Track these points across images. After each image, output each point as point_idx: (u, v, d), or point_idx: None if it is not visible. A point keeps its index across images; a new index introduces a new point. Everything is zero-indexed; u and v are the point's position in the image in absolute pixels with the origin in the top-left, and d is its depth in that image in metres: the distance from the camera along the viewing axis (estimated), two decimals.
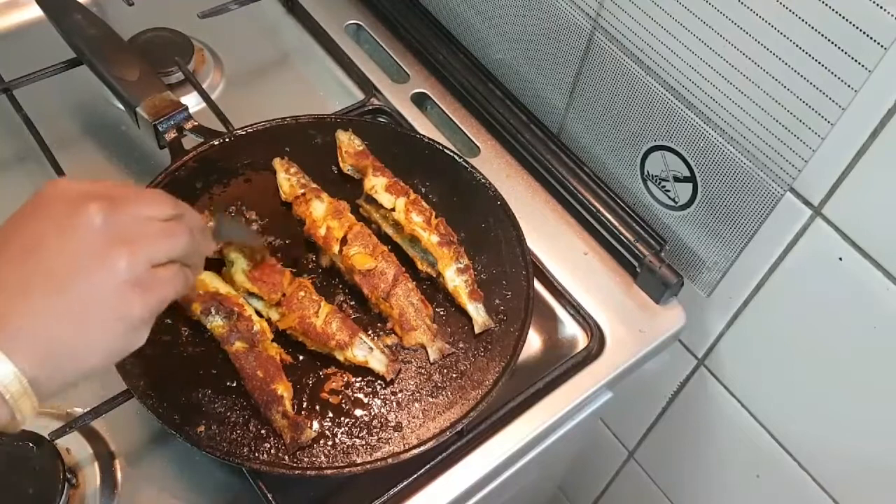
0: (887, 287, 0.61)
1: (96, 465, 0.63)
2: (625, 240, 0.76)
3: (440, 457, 0.64)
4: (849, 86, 0.55)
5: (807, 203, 0.64)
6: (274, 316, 0.65)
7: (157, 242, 0.47)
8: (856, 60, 0.54)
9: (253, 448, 0.59)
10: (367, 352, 0.64)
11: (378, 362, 0.64)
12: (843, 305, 0.65)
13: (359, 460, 0.60)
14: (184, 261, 0.50)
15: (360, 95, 0.89)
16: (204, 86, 0.84)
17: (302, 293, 0.65)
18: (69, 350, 0.44)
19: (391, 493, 0.62)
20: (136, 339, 0.47)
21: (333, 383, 0.64)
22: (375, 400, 0.63)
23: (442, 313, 0.69)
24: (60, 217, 0.45)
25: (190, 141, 0.76)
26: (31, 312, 0.43)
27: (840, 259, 0.63)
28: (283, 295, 0.65)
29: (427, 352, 0.66)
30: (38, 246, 0.45)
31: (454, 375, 0.65)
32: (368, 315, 0.68)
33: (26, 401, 0.42)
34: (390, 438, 0.61)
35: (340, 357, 0.64)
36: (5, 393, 0.41)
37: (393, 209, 0.71)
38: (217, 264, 0.67)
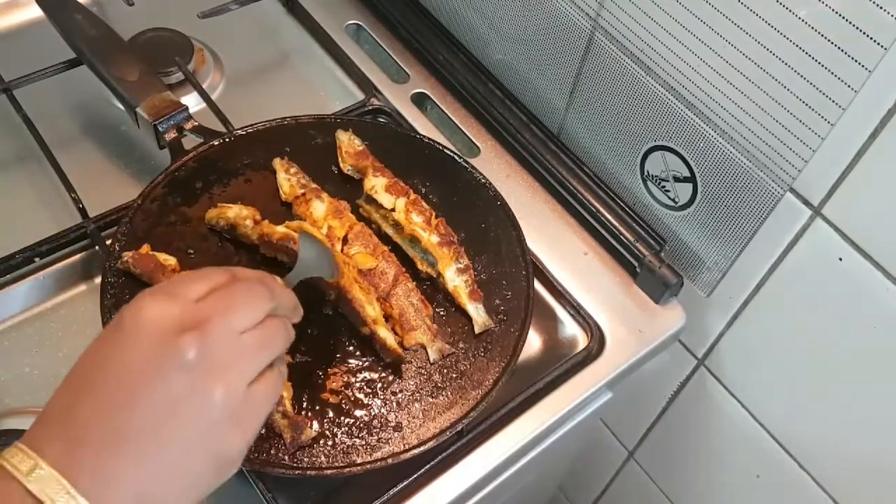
0: (887, 287, 0.61)
1: None
2: (625, 240, 0.77)
3: (440, 457, 0.64)
4: (849, 86, 0.55)
5: (807, 203, 0.64)
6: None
7: (254, 360, 0.45)
8: (856, 60, 0.54)
9: (253, 448, 0.59)
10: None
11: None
12: (843, 305, 0.65)
13: (359, 460, 0.60)
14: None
15: (360, 95, 0.89)
16: (204, 86, 0.84)
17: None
18: (164, 497, 0.42)
19: (391, 493, 0.62)
20: (231, 471, 0.45)
21: (333, 383, 0.64)
22: (375, 400, 0.63)
23: (442, 313, 0.69)
24: (149, 354, 0.42)
25: (190, 141, 0.76)
26: (122, 461, 0.41)
27: (840, 259, 0.63)
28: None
29: (427, 352, 0.66)
30: (129, 394, 0.42)
31: (454, 375, 0.65)
32: None
33: None
34: (390, 438, 0.61)
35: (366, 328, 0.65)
36: None
37: (393, 209, 0.71)
38: (221, 261, 0.68)
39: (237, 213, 0.69)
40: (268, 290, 0.48)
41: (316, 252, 0.62)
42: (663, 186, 0.75)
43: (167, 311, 0.43)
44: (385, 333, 0.64)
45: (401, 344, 0.66)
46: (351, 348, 0.66)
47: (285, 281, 0.56)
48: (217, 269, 0.48)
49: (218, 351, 0.43)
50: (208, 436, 0.43)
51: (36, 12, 0.84)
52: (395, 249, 0.71)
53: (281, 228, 0.68)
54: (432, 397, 0.64)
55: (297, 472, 0.59)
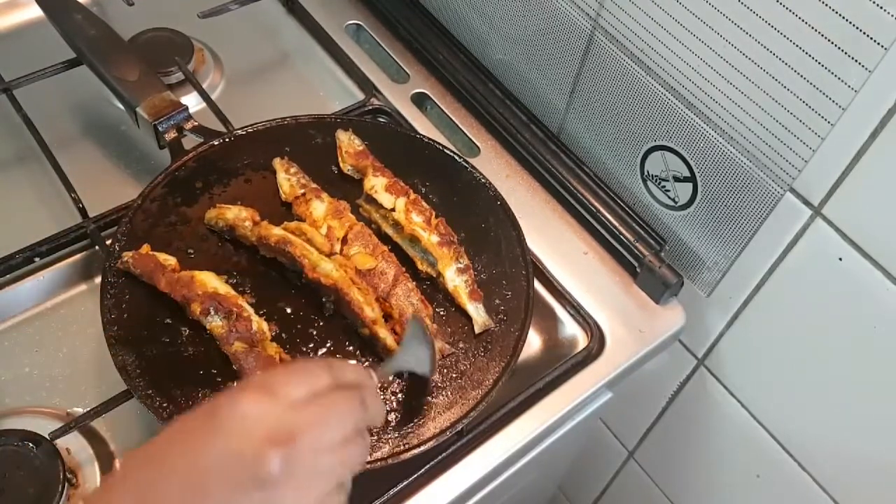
0: (887, 287, 0.61)
1: (96, 465, 0.63)
2: (625, 240, 0.76)
3: (440, 457, 0.64)
4: (849, 86, 0.55)
5: (807, 203, 0.64)
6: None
7: (329, 482, 0.44)
8: (856, 60, 0.54)
9: None
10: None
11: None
12: (843, 306, 0.65)
13: None
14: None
15: (360, 95, 0.89)
16: (204, 86, 0.84)
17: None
18: None
19: (391, 493, 0.62)
20: None
21: None
22: None
23: (442, 313, 0.69)
24: (234, 456, 0.41)
25: (190, 141, 0.76)
26: None
27: (840, 259, 0.63)
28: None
29: None
30: (202, 481, 0.41)
31: (454, 375, 0.65)
32: None
33: None
34: (390, 438, 0.61)
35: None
36: None
37: (393, 209, 0.71)
38: (221, 261, 0.68)
39: (236, 215, 0.69)
40: (362, 404, 0.47)
41: (422, 347, 0.61)
42: (663, 186, 0.75)
43: (265, 413, 0.42)
44: (385, 334, 0.64)
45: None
46: (351, 349, 0.66)
47: (380, 371, 0.55)
48: (318, 364, 0.47)
49: (301, 468, 0.42)
50: None
51: (36, 12, 0.84)
52: (395, 249, 0.71)
53: (278, 231, 0.68)
54: (432, 397, 0.64)
55: None
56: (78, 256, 0.73)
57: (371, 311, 0.65)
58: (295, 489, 0.42)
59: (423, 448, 0.61)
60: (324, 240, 0.68)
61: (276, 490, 0.41)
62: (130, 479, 0.42)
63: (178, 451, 0.42)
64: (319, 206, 0.71)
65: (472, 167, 0.77)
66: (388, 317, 0.67)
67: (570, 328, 0.75)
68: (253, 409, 0.42)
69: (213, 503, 0.41)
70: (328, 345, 0.66)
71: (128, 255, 0.66)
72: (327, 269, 0.66)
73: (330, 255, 0.68)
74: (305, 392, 0.44)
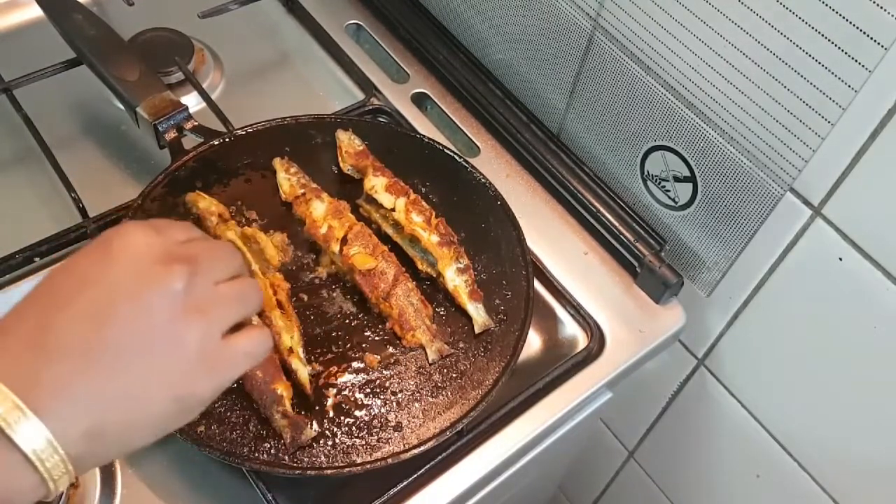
0: (887, 287, 0.61)
1: None
2: (625, 240, 0.76)
3: (440, 457, 0.64)
4: (849, 86, 0.55)
5: (807, 203, 0.64)
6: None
7: (231, 309, 0.45)
8: (856, 60, 0.54)
9: (253, 448, 0.59)
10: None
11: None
12: (843, 305, 0.65)
13: (359, 460, 0.60)
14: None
15: (360, 95, 0.89)
16: (204, 86, 0.84)
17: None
18: (121, 427, 0.41)
19: (391, 493, 0.62)
20: (191, 417, 0.44)
21: (333, 383, 0.64)
22: (375, 400, 0.63)
23: (442, 313, 0.69)
24: (136, 276, 0.42)
25: (190, 141, 0.76)
26: (89, 383, 0.39)
27: (840, 259, 0.63)
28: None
29: (426, 352, 0.66)
30: (108, 308, 0.41)
31: (454, 375, 0.65)
32: (368, 315, 0.68)
33: (64, 476, 0.39)
34: (390, 438, 0.61)
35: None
36: (39, 465, 0.38)
37: (393, 209, 0.71)
38: None
39: (206, 207, 0.69)
40: (240, 256, 0.49)
41: None
42: (663, 186, 0.75)
43: (155, 241, 0.43)
44: (297, 365, 0.62)
45: (399, 344, 0.66)
46: (351, 348, 0.66)
47: None
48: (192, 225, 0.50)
49: (200, 290, 0.43)
50: (177, 375, 0.42)
51: (36, 12, 0.84)
52: (395, 249, 0.71)
53: (231, 234, 0.67)
54: (432, 397, 0.64)
55: (297, 472, 0.59)
56: None
57: (289, 340, 0.62)
58: (200, 314, 0.43)
59: (423, 448, 0.61)
60: (275, 252, 0.67)
61: (181, 307, 0.42)
62: (16, 318, 0.41)
63: (73, 281, 0.42)
64: (319, 206, 0.71)
65: (472, 167, 0.77)
66: (387, 317, 0.67)
67: (570, 328, 0.75)
68: (145, 239, 0.43)
69: (120, 319, 0.41)
70: (329, 343, 0.66)
71: None
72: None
73: (279, 269, 0.67)
74: (186, 236, 0.47)
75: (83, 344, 0.40)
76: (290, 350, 0.63)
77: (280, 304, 0.65)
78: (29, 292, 0.42)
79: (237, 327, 0.46)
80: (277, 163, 0.75)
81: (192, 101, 0.82)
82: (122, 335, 0.41)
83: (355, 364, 0.65)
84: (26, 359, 0.39)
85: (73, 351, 0.40)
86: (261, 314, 0.63)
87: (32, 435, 0.37)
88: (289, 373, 0.62)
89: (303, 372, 0.62)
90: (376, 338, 0.67)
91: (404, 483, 0.63)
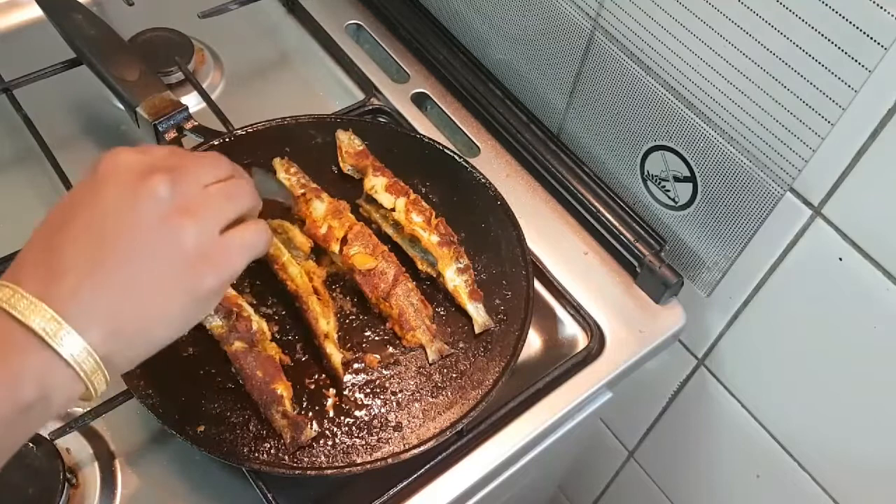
0: (887, 287, 0.61)
1: (96, 465, 0.63)
2: (625, 240, 0.76)
3: (440, 457, 0.64)
4: (849, 86, 0.55)
5: (807, 203, 0.64)
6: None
7: (222, 207, 0.47)
8: (856, 60, 0.54)
9: (253, 448, 0.59)
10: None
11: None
12: (843, 305, 0.65)
13: (359, 460, 0.60)
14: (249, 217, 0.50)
15: (360, 95, 0.89)
16: (204, 86, 0.84)
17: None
18: (139, 325, 0.44)
19: (391, 493, 0.62)
20: (207, 308, 0.48)
21: (333, 383, 0.64)
22: (375, 400, 0.63)
23: (442, 313, 0.69)
24: (124, 191, 0.45)
25: (190, 141, 0.76)
26: (99, 289, 0.43)
27: (840, 259, 0.63)
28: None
29: (426, 352, 0.66)
30: (103, 222, 0.44)
31: (454, 375, 0.65)
32: (368, 315, 0.68)
33: (100, 376, 0.43)
34: (390, 438, 0.61)
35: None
36: (79, 369, 0.41)
37: (393, 209, 0.71)
38: None
39: None
40: (230, 162, 0.51)
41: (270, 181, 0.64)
42: (663, 186, 0.75)
43: (140, 158, 0.46)
44: (332, 350, 0.63)
45: (399, 344, 0.66)
46: (351, 348, 0.66)
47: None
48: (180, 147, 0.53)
49: (188, 193, 0.46)
50: (180, 270, 0.45)
51: (36, 12, 0.84)
52: (395, 249, 0.71)
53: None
54: (432, 397, 0.64)
55: (297, 472, 0.59)
56: None
57: (325, 325, 0.64)
58: (191, 213, 0.45)
59: (423, 448, 0.61)
60: (304, 239, 0.68)
61: (171, 210, 0.45)
62: (33, 247, 0.45)
63: (72, 208, 0.45)
64: (319, 206, 0.71)
65: (472, 167, 0.77)
66: (387, 317, 0.67)
67: (570, 328, 0.75)
68: (130, 157, 0.46)
69: (117, 233, 0.44)
70: None
71: None
72: (293, 273, 0.65)
73: (308, 257, 0.68)
74: (169, 151, 0.49)
75: (86, 256, 0.43)
76: (326, 335, 0.64)
77: (316, 291, 0.66)
78: (42, 222, 0.46)
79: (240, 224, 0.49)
80: (277, 163, 0.75)
81: (192, 101, 0.82)
82: (120, 243, 0.44)
83: (355, 364, 0.65)
84: (40, 278, 0.42)
85: (77, 264, 0.43)
86: (298, 300, 0.65)
87: (71, 343, 0.41)
88: (322, 358, 0.63)
89: (336, 357, 0.63)
90: (376, 338, 0.67)
91: (404, 483, 0.63)
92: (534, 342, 0.73)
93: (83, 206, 0.45)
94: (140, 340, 0.45)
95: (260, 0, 0.91)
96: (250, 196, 0.50)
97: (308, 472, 0.60)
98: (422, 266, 0.70)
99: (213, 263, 0.46)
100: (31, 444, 0.60)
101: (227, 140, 0.76)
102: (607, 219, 0.78)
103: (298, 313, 0.65)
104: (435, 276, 0.70)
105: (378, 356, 0.66)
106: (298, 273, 0.66)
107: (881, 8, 0.51)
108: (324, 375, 0.64)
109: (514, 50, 0.84)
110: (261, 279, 0.68)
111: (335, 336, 0.65)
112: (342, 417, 0.62)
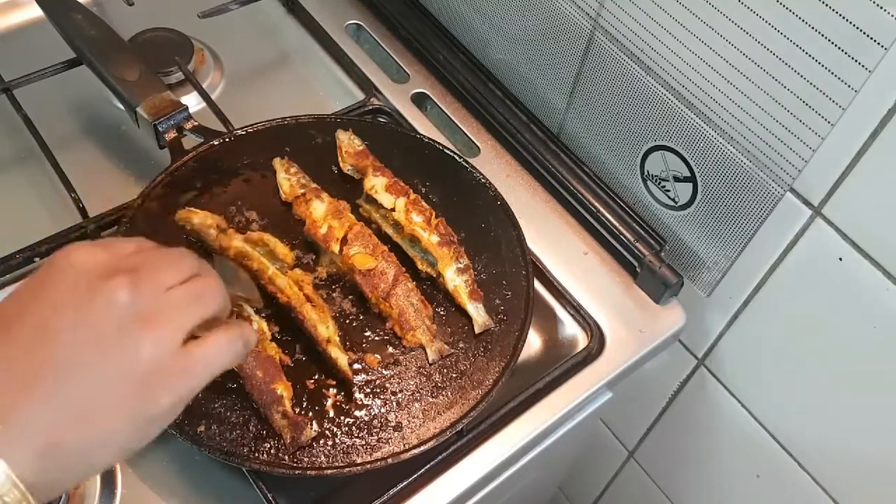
0: (887, 287, 0.61)
1: None
2: (625, 240, 0.76)
3: (440, 457, 0.64)
4: (849, 86, 0.55)
5: (807, 203, 0.64)
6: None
7: (185, 313, 0.43)
8: (856, 60, 0.54)
9: (253, 448, 0.59)
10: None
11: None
12: (843, 305, 0.65)
13: (359, 460, 0.60)
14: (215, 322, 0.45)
15: (360, 95, 0.89)
16: (204, 86, 0.84)
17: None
18: (78, 448, 0.39)
19: (391, 493, 0.62)
20: (156, 430, 0.43)
21: (333, 383, 0.64)
22: (375, 400, 0.63)
23: (442, 313, 0.69)
24: (78, 293, 0.40)
25: (190, 141, 0.76)
26: (37, 406, 0.38)
27: (840, 259, 0.63)
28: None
29: (426, 352, 0.66)
30: (53, 329, 0.40)
31: (454, 375, 0.65)
32: (368, 315, 0.68)
33: None
34: (390, 438, 0.61)
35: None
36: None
37: (393, 209, 0.71)
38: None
39: (202, 221, 0.68)
40: (195, 259, 0.46)
41: (236, 275, 0.60)
42: (663, 186, 0.75)
43: (98, 257, 0.42)
44: (337, 354, 0.63)
45: (399, 344, 0.66)
46: (351, 348, 0.66)
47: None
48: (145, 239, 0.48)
49: (147, 299, 0.41)
50: (133, 387, 0.40)
51: (36, 12, 0.84)
52: (395, 249, 0.71)
53: (237, 242, 0.67)
54: (432, 397, 0.64)
55: (297, 472, 0.59)
56: None
57: (325, 330, 0.63)
58: (151, 323, 0.41)
59: (423, 448, 0.61)
60: (287, 251, 0.67)
61: (129, 320, 0.40)
62: None
63: (18, 306, 0.41)
64: (319, 206, 0.71)
65: (472, 167, 0.77)
66: (387, 317, 0.67)
67: (570, 328, 0.75)
68: (87, 254, 0.42)
69: (66, 336, 0.40)
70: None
71: None
72: (281, 285, 0.65)
73: (293, 266, 0.68)
74: (134, 247, 0.45)
75: (26, 365, 0.39)
76: (328, 340, 0.63)
77: (308, 298, 0.65)
78: None
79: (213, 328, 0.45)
80: (277, 163, 0.75)
81: (192, 101, 0.82)
82: (67, 351, 0.39)
83: (355, 364, 0.65)
84: None
85: (16, 374, 0.38)
86: (293, 310, 0.64)
87: None
88: (326, 360, 0.63)
89: (342, 360, 0.63)
90: (376, 338, 0.67)
91: (404, 483, 0.63)
92: (534, 342, 0.73)
93: (32, 305, 0.41)
94: (76, 465, 0.40)
95: (260, 0, 0.91)
96: (217, 297, 0.45)
97: (308, 472, 0.59)
98: (422, 266, 0.70)
99: (169, 383, 0.41)
100: None
101: (227, 140, 0.76)
102: (607, 219, 0.78)
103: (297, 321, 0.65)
104: (435, 276, 0.70)
105: (378, 356, 0.66)
106: (287, 284, 0.65)
107: (881, 8, 0.51)
108: (324, 375, 0.64)
109: (514, 50, 0.84)
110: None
111: (337, 339, 0.64)
112: (342, 417, 0.62)
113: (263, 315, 0.66)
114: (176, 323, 0.42)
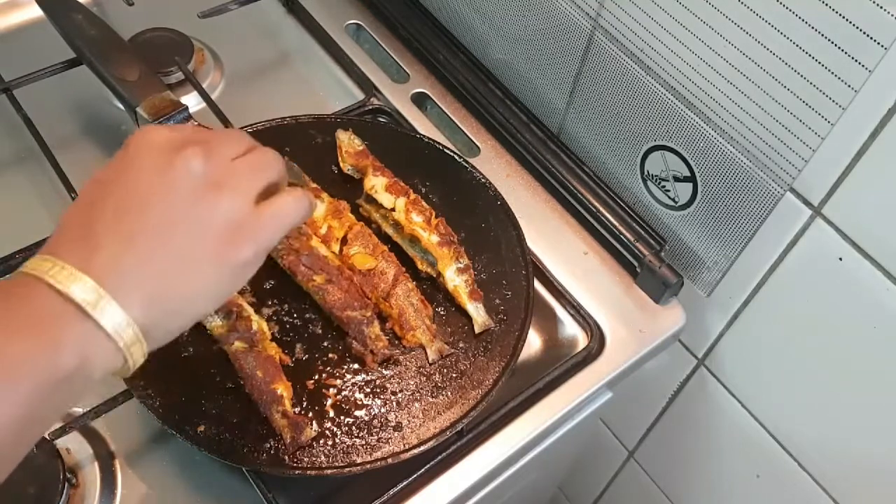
0: (887, 287, 0.61)
1: (96, 465, 0.63)
2: (625, 240, 0.77)
3: (440, 457, 0.64)
4: (849, 86, 0.55)
5: (807, 203, 0.64)
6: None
7: (251, 179, 0.48)
8: (856, 60, 0.54)
9: (253, 448, 0.59)
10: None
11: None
12: (843, 305, 0.65)
13: (359, 460, 0.60)
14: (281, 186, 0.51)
15: (360, 95, 0.89)
16: (204, 86, 0.84)
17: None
18: (179, 296, 0.44)
19: (391, 493, 0.62)
20: (243, 280, 0.47)
21: (333, 383, 0.64)
22: (375, 400, 0.63)
23: (442, 313, 0.69)
24: (158, 165, 0.45)
25: None
26: (139, 260, 0.43)
27: (840, 259, 0.63)
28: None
29: (426, 352, 0.66)
30: (140, 196, 0.44)
31: (454, 375, 0.65)
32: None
33: (138, 347, 0.43)
34: (390, 438, 0.61)
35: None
36: (119, 340, 0.42)
37: (393, 209, 0.71)
38: None
39: None
40: (251, 139, 0.52)
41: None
42: (663, 186, 0.75)
43: (170, 134, 0.47)
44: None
45: (399, 344, 0.66)
46: (354, 348, 0.66)
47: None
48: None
49: (219, 168, 0.46)
50: (217, 242, 0.45)
51: (36, 12, 0.84)
52: (395, 249, 0.71)
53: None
54: (432, 397, 0.64)
55: (297, 472, 0.59)
56: None
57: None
58: (223, 187, 0.46)
59: (423, 448, 0.61)
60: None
61: (204, 184, 0.45)
62: (68, 223, 0.45)
63: (106, 185, 0.45)
64: (319, 207, 0.71)
65: (472, 167, 0.77)
66: (387, 317, 0.67)
67: (570, 328, 0.75)
68: (160, 134, 0.47)
69: (153, 206, 0.44)
70: (329, 343, 0.66)
71: None
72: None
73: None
74: (197, 129, 0.49)
75: (124, 229, 0.43)
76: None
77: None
78: (75, 200, 0.46)
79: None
80: None
81: (192, 101, 0.82)
82: (158, 216, 0.44)
83: (355, 364, 0.65)
84: (79, 251, 0.42)
85: (116, 236, 0.43)
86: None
87: (112, 314, 0.41)
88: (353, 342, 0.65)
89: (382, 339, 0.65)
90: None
91: (404, 483, 0.63)
92: (534, 342, 0.73)
93: (118, 181, 0.45)
94: (179, 312, 0.45)
95: (260, 0, 0.91)
96: (276, 165, 0.51)
97: (308, 472, 0.60)
98: (422, 266, 0.70)
99: (249, 235, 0.46)
100: None
101: None
102: (607, 219, 0.78)
103: (308, 311, 0.66)
104: (435, 276, 0.70)
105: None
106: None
107: (881, 8, 0.51)
108: (324, 375, 0.64)
109: (514, 50, 0.84)
110: (261, 280, 0.68)
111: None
112: (342, 417, 0.62)
113: (263, 315, 0.66)
114: (244, 186, 0.47)
